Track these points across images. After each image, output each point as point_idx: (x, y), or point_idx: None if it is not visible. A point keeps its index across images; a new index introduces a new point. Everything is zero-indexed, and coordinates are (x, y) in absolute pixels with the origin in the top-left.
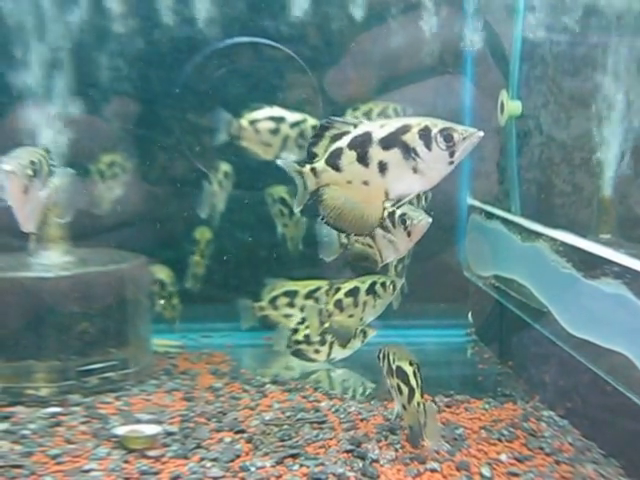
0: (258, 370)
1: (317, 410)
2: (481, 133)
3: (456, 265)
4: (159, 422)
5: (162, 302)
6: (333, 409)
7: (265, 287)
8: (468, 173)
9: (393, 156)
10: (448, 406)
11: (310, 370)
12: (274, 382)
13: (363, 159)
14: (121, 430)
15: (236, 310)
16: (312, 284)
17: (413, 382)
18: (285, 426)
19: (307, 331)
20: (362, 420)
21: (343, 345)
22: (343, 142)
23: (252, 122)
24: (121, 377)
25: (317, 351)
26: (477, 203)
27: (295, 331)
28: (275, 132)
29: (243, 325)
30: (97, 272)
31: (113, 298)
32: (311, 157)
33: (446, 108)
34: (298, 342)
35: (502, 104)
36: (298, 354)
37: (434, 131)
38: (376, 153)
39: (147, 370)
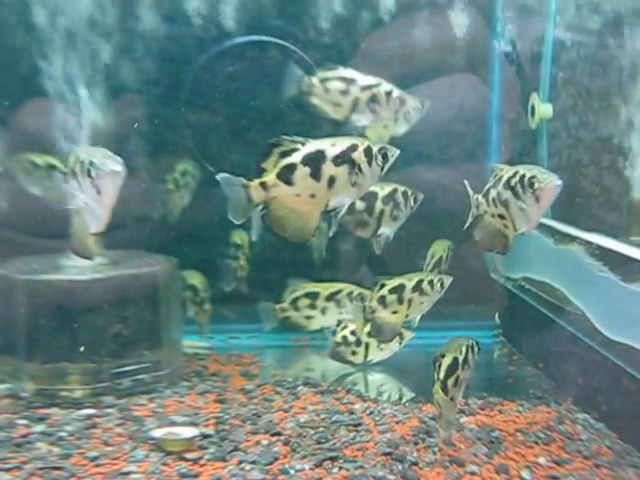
0: (287, 372)
1: (352, 412)
2: (398, 151)
3: (483, 266)
4: (194, 424)
5: (195, 309)
6: (368, 411)
7: (287, 288)
8: (496, 159)
9: (342, 171)
10: (482, 408)
11: (342, 372)
12: (306, 384)
13: (316, 174)
14: (158, 432)
15: (259, 312)
16: (334, 286)
17: (439, 373)
18: (321, 428)
19: (344, 332)
20: (398, 422)
21: (384, 342)
22: (296, 158)
23: (323, 80)
24: (154, 379)
25: (354, 353)
26: None
27: (333, 333)
28: (345, 93)
29: (266, 326)
30: (130, 275)
31: (146, 301)
32: (259, 172)
33: (472, 108)
34: (337, 344)
35: (533, 107)
36: (336, 356)
37: (374, 149)
38: (328, 169)
39: (179, 372)
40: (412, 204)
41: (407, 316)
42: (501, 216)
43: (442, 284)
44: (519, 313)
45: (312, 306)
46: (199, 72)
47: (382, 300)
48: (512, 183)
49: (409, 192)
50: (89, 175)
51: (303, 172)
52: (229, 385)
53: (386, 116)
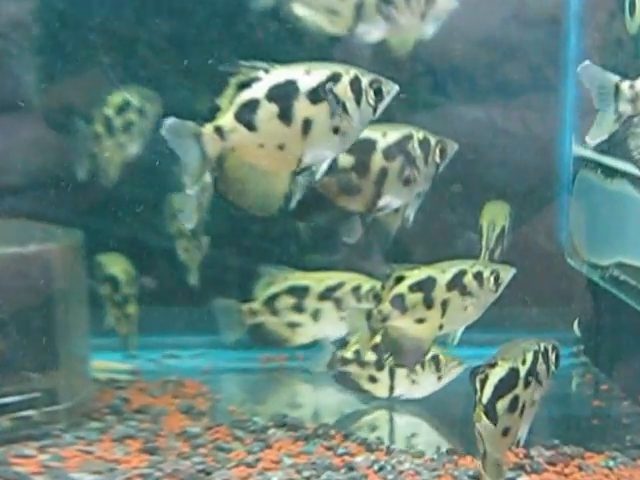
0: (253, 407)
1: (351, 468)
2: (397, 87)
3: (555, 249)
4: None
5: (114, 312)
6: (376, 467)
7: (259, 280)
8: (573, 106)
9: (319, 112)
10: (552, 463)
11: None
12: (281, 426)
13: (286, 115)
14: None
15: (214, 316)
16: (332, 277)
17: (483, 391)
18: None
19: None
20: None
21: (403, 366)
22: (258, 91)
23: None
24: (47, 417)
25: (373, 379)
26: (589, 153)
27: (342, 345)
28: None
29: (225, 338)
30: (7, 256)
31: (33, 297)
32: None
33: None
34: (346, 361)
35: (633, 3)
36: (345, 381)
37: (364, 82)
38: (303, 108)
39: (85, 407)
40: (437, 159)
41: (441, 328)
42: None
43: (498, 279)
44: (610, 320)
45: (298, 308)
46: None
47: (399, 301)
48: None
49: (432, 140)
50: None
51: (269, 111)
52: (162, 427)
53: (407, 24)
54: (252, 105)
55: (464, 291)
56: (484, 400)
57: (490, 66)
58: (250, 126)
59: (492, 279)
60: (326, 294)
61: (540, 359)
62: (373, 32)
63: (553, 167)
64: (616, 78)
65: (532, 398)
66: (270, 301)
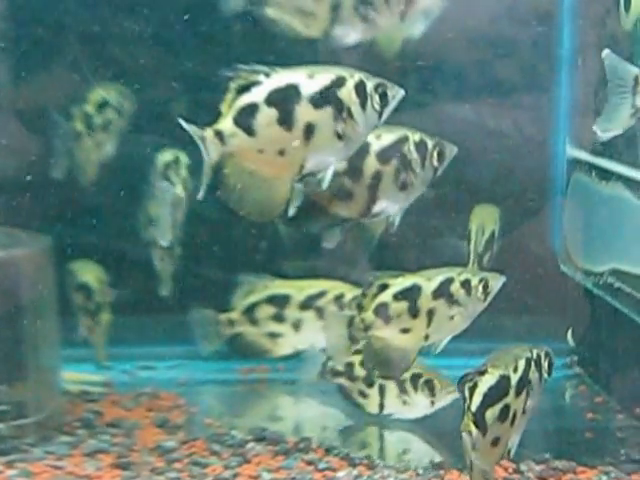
0: (231, 420)
1: None
2: (403, 92)
3: (548, 255)
4: None
5: (87, 321)
6: None
7: (238, 289)
8: (567, 107)
9: (323, 116)
10: (542, 478)
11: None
12: (260, 440)
13: (286, 120)
14: None
15: (191, 326)
16: (314, 286)
17: (472, 399)
18: None
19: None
20: None
21: (387, 378)
22: (257, 96)
23: None
24: (14, 431)
25: (363, 395)
26: (583, 155)
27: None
28: None
29: (203, 349)
30: None
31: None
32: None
33: None
34: (336, 373)
35: None
36: (347, 394)
37: (369, 86)
38: (304, 113)
39: (55, 420)
40: (435, 163)
41: (427, 338)
42: None
43: (487, 287)
44: (605, 330)
45: (279, 317)
46: None
47: (383, 310)
48: None
49: (429, 142)
50: None
51: (267, 116)
52: (136, 441)
53: (386, 25)
54: (251, 109)
55: (451, 300)
56: (473, 409)
57: (481, 65)
58: (249, 131)
59: (480, 287)
60: (307, 303)
61: (533, 367)
62: (350, 34)
63: (546, 169)
64: (636, 70)
65: (524, 407)
66: (249, 311)
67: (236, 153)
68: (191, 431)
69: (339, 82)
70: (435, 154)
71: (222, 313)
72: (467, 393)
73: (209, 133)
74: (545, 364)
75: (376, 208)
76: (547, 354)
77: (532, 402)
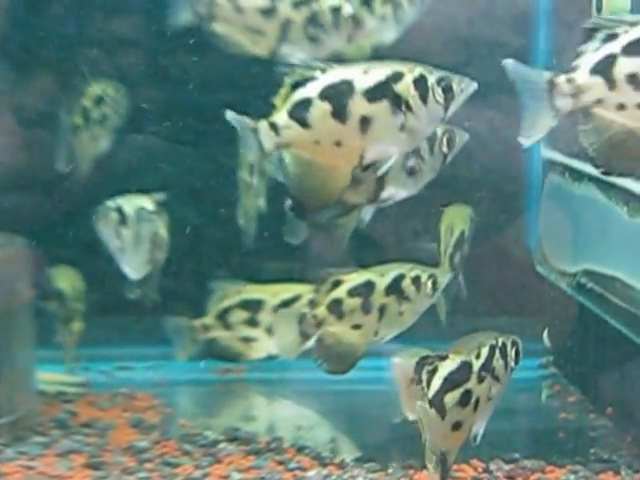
0: (205, 421)
1: None
2: (475, 84)
3: (524, 256)
4: None
5: (60, 327)
6: None
7: (212, 294)
8: None
9: (379, 111)
10: (510, 477)
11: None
12: (232, 440)
13: (340, 113)
14: None
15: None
16: (288, 290)
17: (431, 382)
18: None
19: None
20: None
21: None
22: (312, 90)
23: None
24: None
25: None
26: (558, 156)
27: None
28: (269, 13)
29: (178, 355)
30: None
31: None
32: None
33: None
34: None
35: None
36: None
37: (431, 80)
38: (358, 106)
39: (28, 421)
40: (444, 149)
41: (376, 334)
42: None
43: (435, 284)
44: (580, 330)
45: (252, 322)
46: None
47: (336, 306)
48: None
49: (438, 129)
50: None
51: (322, 110)
52: (109, 441)
53: (335, 46)
54: (305, 103)
55: (402, 296)
56: (431, 392)
57: (456, 66)
58: (303, 123)
59: (429, 284)
60: (282, 307)
61: (497, 354)
62: (296, 54)
63: (522, 170)
64: (549, 74)
65: (488, 394)
66: (223, 315)
67: (291, 144)
68: (165, 431)
69: (396, 77)
70: (445, 140)
71: (196, 319)
72: (425, 377)
73: (263, 125)
74: (512, 352)
75: (384, 194)
76: (514, 342)
77: (497, 389)
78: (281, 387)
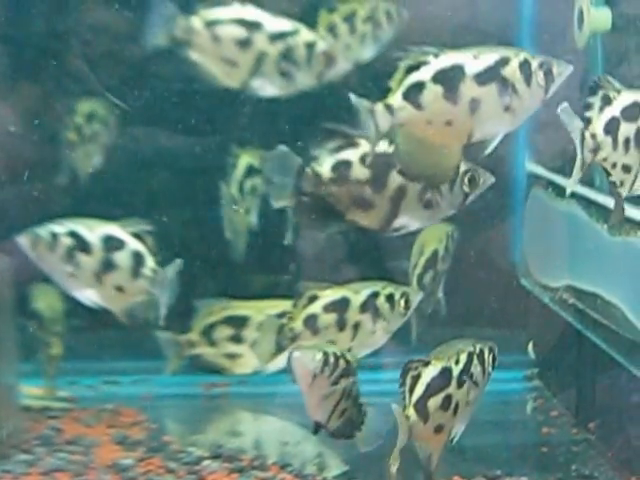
0: (190, 437)
1: None
2: (571, 67)
3: (509, 269)
4: None
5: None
6: None
7: (197, 311)
8: (527, 121)
9: (488, 93)
10: None
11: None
12: (216, 457)
13: (451, 95)
14: None
15: (154, 340)
16: (273, 306)
17: (415, 389)
18: None
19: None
20: None
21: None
22: (425, 74)
23: (209, 24)
24: None
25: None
26: (541, 171)
27: None
28: (245, 44)
29: (168, 369)
30: None
31: None
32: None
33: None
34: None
35: (581, 13)
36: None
37: (534, 64)
38: (469, 89)
39: (13, 438)
40: (465, 189)
41: (349, 350)
42: None
43: (407, 302)
44: (564, 344)
45: (237, 338)
46: None
47: (311, 322)
48: None
49: (461, 166)
50: None
51: (435, 92)
52: (94, 459)
53: (305, 82)
54: (419, 86)
55: (376, 313)
56: (415, 397)
57: None
58: (417, 104)
59: (402, 302)
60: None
61: (475, 360)
62: (267, 88)
63: (506, 184)
64: (580, 124)
65: (466, 398)
66: (207, 331)
67: (405, 123)
68: (150, 448)
69: (503, 61)
70: (466, 179)
71: (181, 334)
72: (409, 382)
73: (379, 107)
74: (489, 358)
75: (397, 222)
76: (491, 349)
77: (475, 394)
78: (267, 401)
